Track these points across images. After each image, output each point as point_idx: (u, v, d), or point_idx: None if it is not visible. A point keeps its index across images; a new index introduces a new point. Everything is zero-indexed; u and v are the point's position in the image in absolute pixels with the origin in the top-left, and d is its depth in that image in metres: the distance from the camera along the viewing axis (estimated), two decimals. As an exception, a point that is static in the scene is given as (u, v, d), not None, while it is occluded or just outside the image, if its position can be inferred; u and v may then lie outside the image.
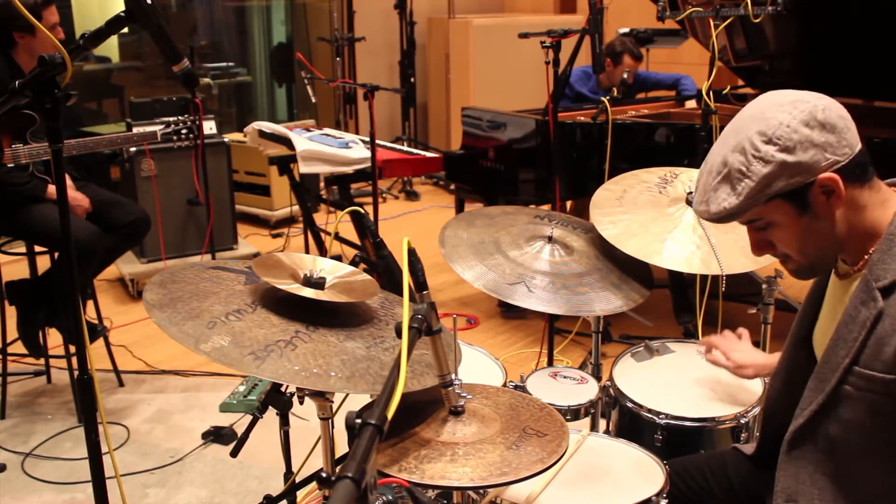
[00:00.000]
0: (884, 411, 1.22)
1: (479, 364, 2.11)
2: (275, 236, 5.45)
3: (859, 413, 1.25)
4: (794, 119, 1.24)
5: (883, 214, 1.29)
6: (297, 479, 1.97)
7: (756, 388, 1.97)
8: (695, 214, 2.09)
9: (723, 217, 1.30)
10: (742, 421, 1.86)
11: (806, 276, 1.39)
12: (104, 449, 1.78)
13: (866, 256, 1.30)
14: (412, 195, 6.41)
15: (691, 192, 2.13)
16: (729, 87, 3.99)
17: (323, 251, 4.41)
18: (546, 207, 3.68)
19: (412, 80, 6.68)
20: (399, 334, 1.13)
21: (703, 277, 2.74)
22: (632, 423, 1.93)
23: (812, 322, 1.47)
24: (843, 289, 1.37)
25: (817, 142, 1.23)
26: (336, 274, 1.66)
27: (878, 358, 1.22)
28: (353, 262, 3.68)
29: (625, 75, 4.47)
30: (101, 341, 3.23)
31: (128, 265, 4.34)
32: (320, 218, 5.04)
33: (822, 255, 1.34)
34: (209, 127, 4.36)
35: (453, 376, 1.41)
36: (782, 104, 1.26)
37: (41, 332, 3.14)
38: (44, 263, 3.18)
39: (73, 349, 3.02)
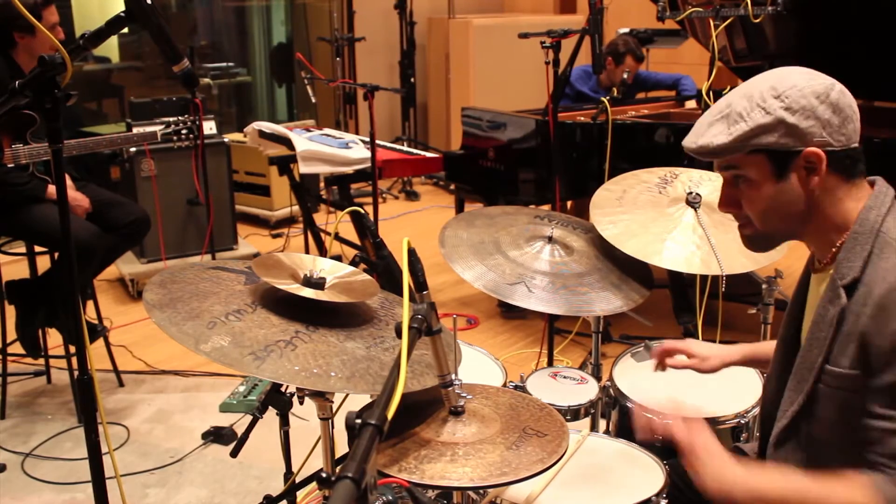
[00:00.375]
0: (855, 407, 1.24)
1: (479, 364, 2.11)
2: (275, 236, 5.45)
3: (833, 411, 1.27)
4: (807, 87, 1.27)
5: (854, 209, 1.30)
6: (297, 480, 1.97)
7: (756, 387, 1.97)
8: (695, 216, 2.10)
9: (706, 152, 1.33)
10: (742, 421, 1.86)
11: (758, 245, 1.41)
12: (104, 449, 1.78)
13: (833, 250, 1.32)
14: (412, 195, 6.41)
15: (691, 193, 2.13)
16: (729, 88, 3.98)
17: (323, 251, 4.41)
18: (546, 207, 3.68)
19: (412, 80, 6.68)
20: (399, 334, 1.13)
21: (703, 277, 2.74)
22: (632, 423, 1.93)
23: (799, 321, 1.48)
24: (818, 285, 1.38)
25: (820, 116, 1.26)
26: (336, 274, 1.66)
27: (844, 354, 1.24)
28: (353, 262, 3.68)
29: (625, 76, 4.47)
30: (101, 341, 3.23)
31: (128, 265, 4.34)
32: (320, 218, 5.04)
33: (780, 229, 1.36)
34: (209, 127, 4.36)
35: (453, 376, 1.41)
36: (804, 72, 1.30)
37: (41, 332, 3.14)
38: (44, 263, 3.18)
39: (73, 349, 3.02)
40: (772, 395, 1.54)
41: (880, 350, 1.19)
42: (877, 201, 1.30)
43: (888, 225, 1.27)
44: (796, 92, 1.26)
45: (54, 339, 3.19)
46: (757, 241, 1.40)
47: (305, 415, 2.72)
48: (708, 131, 1.32)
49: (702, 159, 1.36)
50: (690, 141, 1.36)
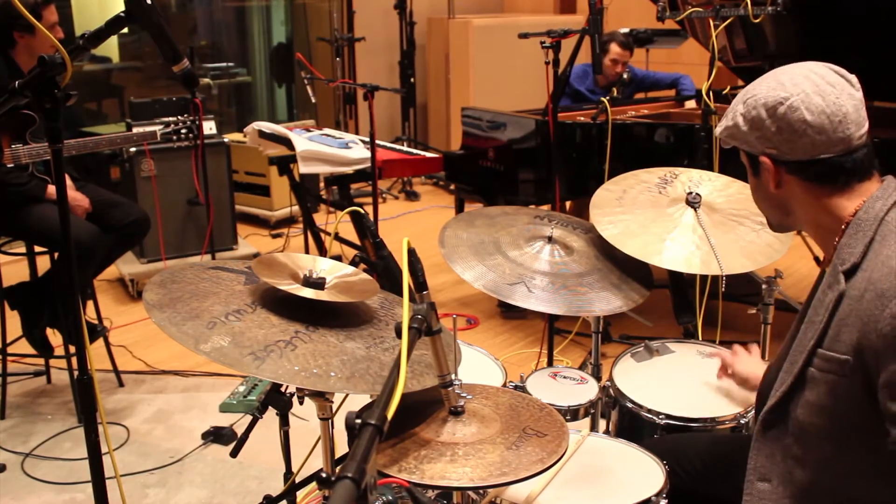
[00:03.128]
0: (843, 393, 1.24)
1: (479, 364, 2.11)
2: (275, 236, 5.45)
3: (822, 396, 1.27)
4: (762, 97, 1.31)
5: (850, 207, 1.31)
6: (297, 480, 1.97)
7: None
8: (694, 216, 2.10)
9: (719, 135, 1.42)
10: (742, 421, 1.86)
11: (770, 227, 1.48)
12: (104, 449, 1.78)
13: (835, 243, 1.32)
14: (412, 195, 6.41)
15: (691, 193, 2.13)
16: (729, 87, 3.99)
17: (323, 251, 4.41)
18: (546, 207, 3.68)
19: (412, 80, 6.68)
20: (399, 334, 1.13)
21: (703, 277, 2.74)
22: (632, 423, 1.93)
23: None
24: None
25: (765, 129, 1.31)
26: (336, 274, 1.66)
27: (838, 339, 1.24)
28: (353, 262, 3.67)
29: (625, 76, 4.46)
30: (101, 341, 3.23)
31: (128, 265, 4.34)
32: (320, 218, 5.04)
33: (770, 217, 1.45)
34: (209, 127, 4.36)
35: (453, 376, 1.41)
36: (781, 81, 1.31)
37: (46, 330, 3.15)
38: (44, 263, 3.18)
39: (73, 349, 3.02)
40: (771, 376, 1.54)
41: (882, 336, 1.17)
42: (884, 193, 1.30)
43: (893, 215, 1.27)
44: (752, 101, 1.32)
45: (55, 339, 3.19)
46: (768, 223, 1.47)
47: (305, 415, 2.72)
48: (724, 116, 1.39)
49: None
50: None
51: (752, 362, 1.84)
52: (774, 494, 1.34)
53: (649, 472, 1.63)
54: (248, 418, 1.84)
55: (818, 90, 1.28)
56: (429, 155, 4.52)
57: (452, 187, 5.24)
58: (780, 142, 1.30)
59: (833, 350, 1.25)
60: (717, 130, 1.41)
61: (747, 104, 1.33)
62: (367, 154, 3.90)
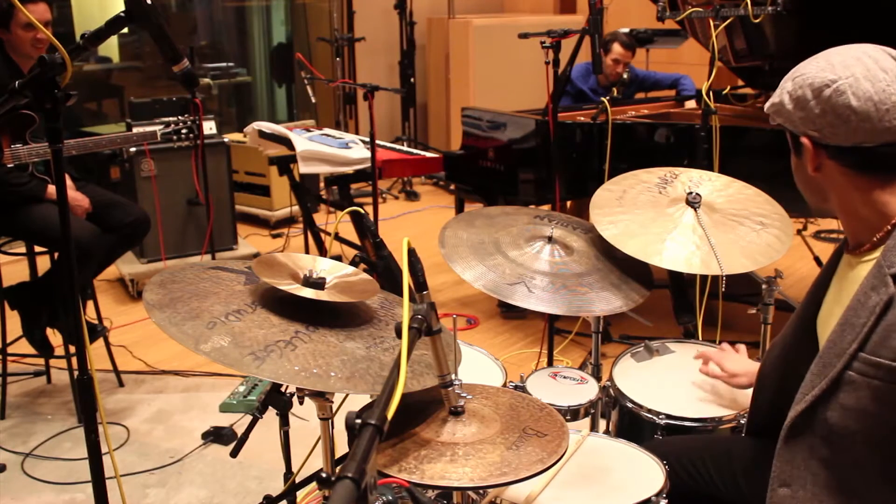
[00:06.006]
0: (888, 399, 1.20)
1: (479, 364, 2.11)
2: (275, 236, 5.45)
3: (862, 400, 1.23)
4: (810, 77, 1.29)
5: (891, 202, 1.28)
6: (297, 480, 1.97)
7: (756, 388, 1.96)
8: (695, 216, 2.10)
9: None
10: (742, 421, 1.86)
11: (812, 211, 1.45)
12: (104, 449, 1.78)
13: (875, 238, 1.30)
14: (412, 195, 6.41)
15: (691, 193, 2.13)
16: (729, 88, 3.99)
17: (323, 251, 4.41)
18: (546, 207, 3.68)
19: (412, 80, 6.68)
20: (399, 334, 1.13)
21: (703, 277, 2.74)
22: (632, 423, 1.93)
23: (820, 300, 1.46)
24: (851, 268, 1.36)
25: (810, 110, 1.29)
26: (336, 274, 1.66)
27: (885, 344, 1.20)
28: (353, 262, 3.68)
29: (624, 76, 4.46)
30: (101, 341, 3.23)
31: (128, 265, 4.34)
32: (320, 218, 5.04)
33: (809, 199, 1.42)
34: (209, 127, 4.36)
35: (453, 376, 1.41)
36: (832, 62, 1.28)
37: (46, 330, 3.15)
38: (44, 263, 3.18)
39: (73, 349, 3.02)
40: (770, 364, 1.52)
41: None
42: None
43: None
44: (800, 80, 1.29)
45: (55, 339, 3.19)
46: (809, 205, 1.44)
47: (305, 415, 2.72)
48: (778, 89, 1.37)
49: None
50: None
51: (740, 359, 1.85)
52: (794, 500, 1.31)
53: (649, 472, 1.63)
54: (248, 418, 1.84)
55: (869, 75, 1.24)
56: (429, 155, 4.52)
57: (452, 187, 5.24)
58: (823, 125, 1.27)
59: (879, 356, 1.20)
60: (766, 106, 1.39)
61: (795, 82, 1.30)
62: (367, 154, 3.90)
